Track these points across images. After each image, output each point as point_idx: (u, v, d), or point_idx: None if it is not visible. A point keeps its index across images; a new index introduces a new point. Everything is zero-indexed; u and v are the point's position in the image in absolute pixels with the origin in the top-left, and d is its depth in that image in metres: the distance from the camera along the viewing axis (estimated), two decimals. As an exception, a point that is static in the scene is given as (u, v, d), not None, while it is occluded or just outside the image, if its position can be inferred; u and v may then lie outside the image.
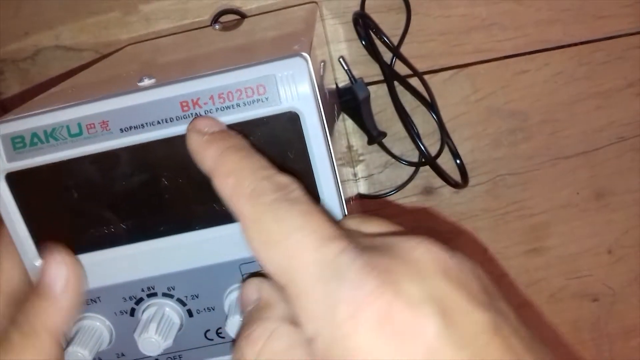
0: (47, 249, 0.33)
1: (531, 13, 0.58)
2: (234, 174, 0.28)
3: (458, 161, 0.59)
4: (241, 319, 0.33)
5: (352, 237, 0.27)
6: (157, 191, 0.33)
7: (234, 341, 0.29)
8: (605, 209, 0.63)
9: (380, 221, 0.30)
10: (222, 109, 0.31)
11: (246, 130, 0.31)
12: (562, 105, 0.60)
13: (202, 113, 0.31)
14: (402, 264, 0.25)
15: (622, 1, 0.58)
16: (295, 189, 0.28)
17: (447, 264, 0.25)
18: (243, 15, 0.57)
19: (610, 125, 0.61)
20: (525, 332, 0.25)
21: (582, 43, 0.59)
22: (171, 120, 0.31)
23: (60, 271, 0.33)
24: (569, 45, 0.59)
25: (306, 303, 0.25)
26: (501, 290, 0.27)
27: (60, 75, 0.58)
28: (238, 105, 0.31)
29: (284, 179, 0.28)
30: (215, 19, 0.57)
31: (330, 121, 0.37)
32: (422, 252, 0.25)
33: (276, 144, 0.31)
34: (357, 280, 0.24)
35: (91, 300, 0.35)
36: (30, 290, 0.33)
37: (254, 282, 0.30)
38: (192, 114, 0.31)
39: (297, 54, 0.31)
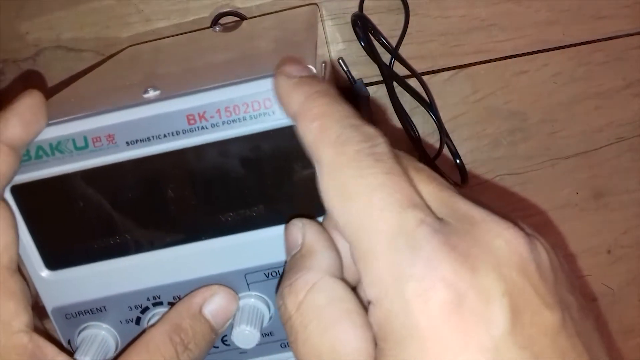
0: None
1: (530, 14, 0.58)
2: (320, 119, 0.27)
3: (457, 161, 0.59)
4: (257, 313, 0.34)
5: (435, 205, 0.25)
6: (163, 203, 0.33)
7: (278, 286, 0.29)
8: (605, 209, 0.63)
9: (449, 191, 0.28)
10: (229, 122, 0.31)
11: (253, 143, 0.31)
12: (561, 106, 0.61)
13: (209, 126, 0.31)
14: (482, 250, 0.23)
15: (621, 2, 0.58)
16: (381, 143, 0.26)
17: (526, 259, 0.24)
18: (243, 17, 0.57)
19: (609, 125, 0.61)
20: (586, 326, 0.25)
21: (581, 44, 0.59)
22: (177, 133, 0.31)
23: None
24: (568, 46, 0.59)
25: (373, 267, 0.24)
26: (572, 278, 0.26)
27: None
28: (245, 118, 0.31)
29: (371, 130, 0.26)
30: (215, 21, 0.57)
31: None
32: (504, 241, 0.24)
33: (283, 157, 0.31)
34: (434, 260, 0.23)
35: (97, 309, 0.35)
36: None
37: (297, 226, 0.29)
38: (198, 127, 0.31)
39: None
